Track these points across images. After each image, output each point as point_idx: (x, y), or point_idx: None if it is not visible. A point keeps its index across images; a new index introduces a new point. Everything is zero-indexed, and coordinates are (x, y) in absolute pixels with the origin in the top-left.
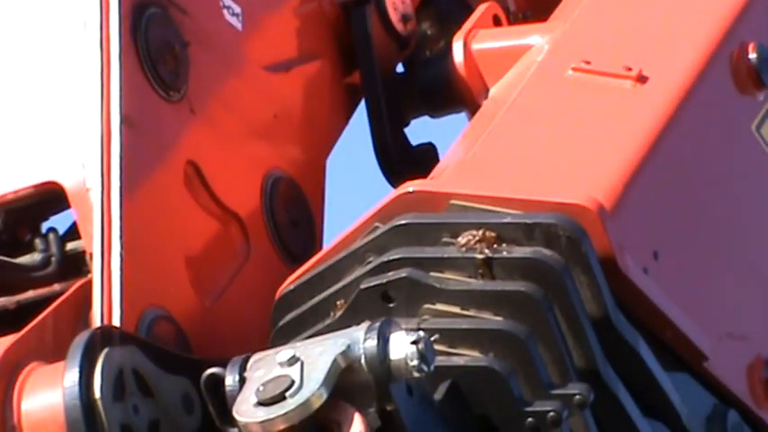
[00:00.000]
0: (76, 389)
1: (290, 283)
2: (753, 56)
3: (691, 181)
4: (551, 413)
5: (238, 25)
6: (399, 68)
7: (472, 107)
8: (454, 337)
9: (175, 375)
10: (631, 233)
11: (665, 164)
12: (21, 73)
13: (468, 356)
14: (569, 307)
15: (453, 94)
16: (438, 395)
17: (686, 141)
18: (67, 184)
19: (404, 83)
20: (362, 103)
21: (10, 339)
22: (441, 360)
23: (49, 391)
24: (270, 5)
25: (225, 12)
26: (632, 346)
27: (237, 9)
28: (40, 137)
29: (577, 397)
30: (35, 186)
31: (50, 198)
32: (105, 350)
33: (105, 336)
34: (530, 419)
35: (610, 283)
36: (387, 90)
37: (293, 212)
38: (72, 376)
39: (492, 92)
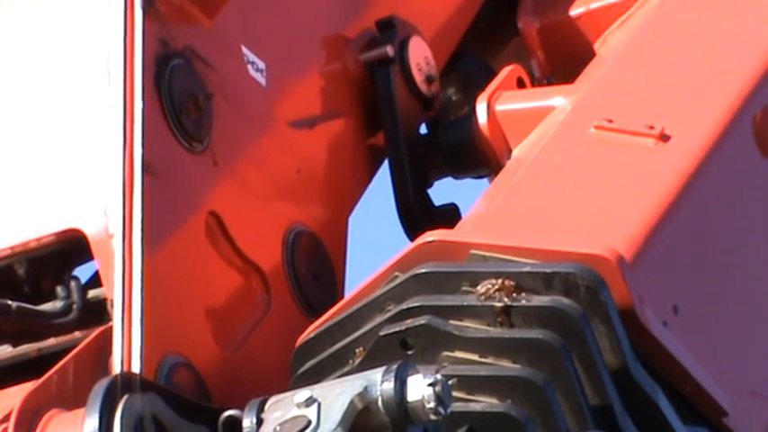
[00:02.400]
0: None
1: (310, 332)
2: None
3: (712, 239)
4: None
5: (263, 81)
6: (423, 129)
7: (496, 168)
8: (472, 384)
9: (195, 424)
10: (651, 286)
11: (685, 220)
12: (44, 120)
13: (485, 403)
14: (588, 356)
15: (477, 155)
16: None
17: (708, 199)
18: (90, 231)
19: (427, 143)
20: (386, 163)
21: (30, 386)
22: (458, 406)
23: None
24: (295, 63)
25: (249, 67)
26: (651, 397)
27: (262, 65)
28: (63, 184)
29: None
30: (57, 234)
31: (73, 245)
32: (125, 397)
33: (125, 382)
34: None
35: (629, 335)
36: (410, 150)
37: (314, 266)
38: (92, 423)
39: (515, 152)
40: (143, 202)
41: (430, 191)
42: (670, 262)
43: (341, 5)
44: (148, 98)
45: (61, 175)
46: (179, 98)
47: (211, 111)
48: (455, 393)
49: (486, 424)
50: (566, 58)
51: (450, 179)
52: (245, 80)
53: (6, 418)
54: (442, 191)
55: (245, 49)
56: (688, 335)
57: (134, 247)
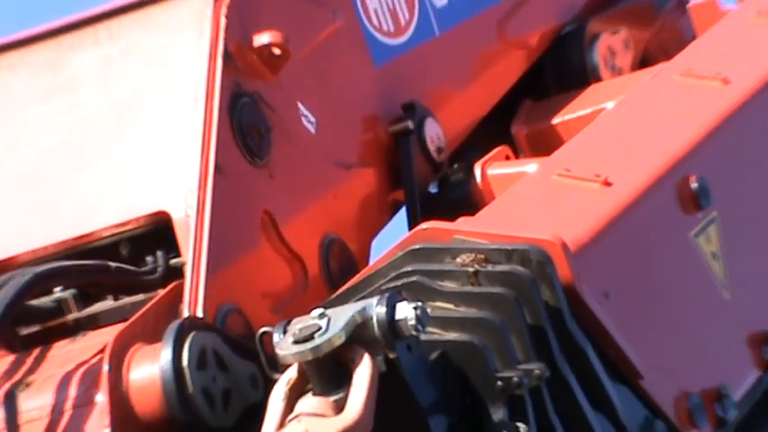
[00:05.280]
0: (170, 362)
1: (334, 295)
2: (694, 185)
3: (640, 253)
4: (515, 379)
5: (312, 130)
6: (433, 189)
7: None
8: (447, 323)
9: (245, 360)
10: (588, 272)
11: (619, 237)
12: (146, 128)
13: (456, 335)
14: (535, 309)
15: (474, 208)
16: (431, 359)
17: (636, 227)
18: (173, 212)
19: (436, 199)
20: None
21: (121, 327)
22: (436, 337)
23: (149, 365)
24: (339, 123)
25: (303, 118)
26: (581, 346)
27: (312, 119)
28: (157, 178)
29: (536, 371)
30: (150, 214)
31: (161, 222)
32: (192, 334)
33: (192, 324)
34: (499, 383)
35: (569, 304)
36: (422, 202)
37: (343, 264)
38: (167, 353)
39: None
40: (213, 192)
41: None
42: (606, 260)
43: (376, 87)
44: (222, 121)
45: (155, 171)
46: (245, 125)
47: (270, 139)
48: (434, 329)
49: (456, 349)
50: (545, 154)
51: None
52: (299, 126)
53: (103, 350)
54: None
55: (300, 105)
56: (615, 318)
57: (204, 225)
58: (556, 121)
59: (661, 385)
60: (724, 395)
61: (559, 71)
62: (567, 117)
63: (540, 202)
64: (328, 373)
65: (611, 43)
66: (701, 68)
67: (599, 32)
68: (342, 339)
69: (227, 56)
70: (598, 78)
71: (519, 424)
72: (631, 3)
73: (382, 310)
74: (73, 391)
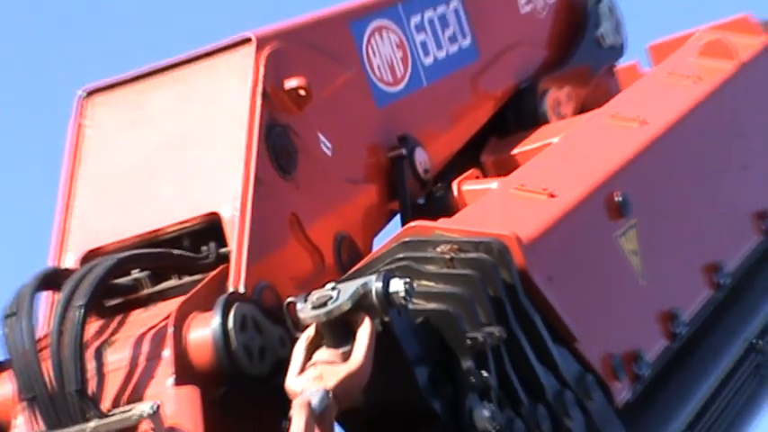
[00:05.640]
0: (219, 326)
1: (342, 278)
2: (619, 198)
3: (576, 248)
4: (480, 339)
5: (329, 153)
6: (421, 201)
7: None
8: (428, 297)
9: (276, 324)
10: (537, 260)
11: (561, 235)
12: (204, 149)
13: (435, 305)
14: (495, 286)
15: (452, 215)
16: (416, 323)
17: (574, 228)
18: (223, 213)
19: (423, 208)
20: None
21: (180, 299)
22: (419, 307)
23: (204, 328)
24: (349, 149)
25: (322, 144)
26: (531, 317)
27: (329, 145)
28: (210, 186)
29: (496, 333)
30: (205, 214)
31: (213, 221)
32: (235, 305)
33: (236, 297)
34: (468, 341)
35: (523, 285)
36: (412, 211)
37: (352, 255)
38: (217, 319)
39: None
40: (253, 198)
41: None
42: (550, 252)
43: (378, 123)
44: (260, 144)
45: (210, 182)
46: (278, 148)
47: (297, 160)
48: (419, 301)
49: (435, 316)
50: (505, 175)
51: None
52: (319, 150)
53: (169, 317)
54: None
55: (319, 134)
56: (557, 296)
57: (246, 223)
58: (514, 152)
59: (592, 347)
60: (640, 357)
61: (518, 116)
62: (523, 149)
63: (500, 208)
64: (338, 331)
65: (557, 96)
66: (625, 113)
67: (548, 88)
68: (348, 306)
69: (264, 95)
70: (547, 121)
71: (482, 372)
72: (573, 67)
73: (379, 284)
74: (146, 348)
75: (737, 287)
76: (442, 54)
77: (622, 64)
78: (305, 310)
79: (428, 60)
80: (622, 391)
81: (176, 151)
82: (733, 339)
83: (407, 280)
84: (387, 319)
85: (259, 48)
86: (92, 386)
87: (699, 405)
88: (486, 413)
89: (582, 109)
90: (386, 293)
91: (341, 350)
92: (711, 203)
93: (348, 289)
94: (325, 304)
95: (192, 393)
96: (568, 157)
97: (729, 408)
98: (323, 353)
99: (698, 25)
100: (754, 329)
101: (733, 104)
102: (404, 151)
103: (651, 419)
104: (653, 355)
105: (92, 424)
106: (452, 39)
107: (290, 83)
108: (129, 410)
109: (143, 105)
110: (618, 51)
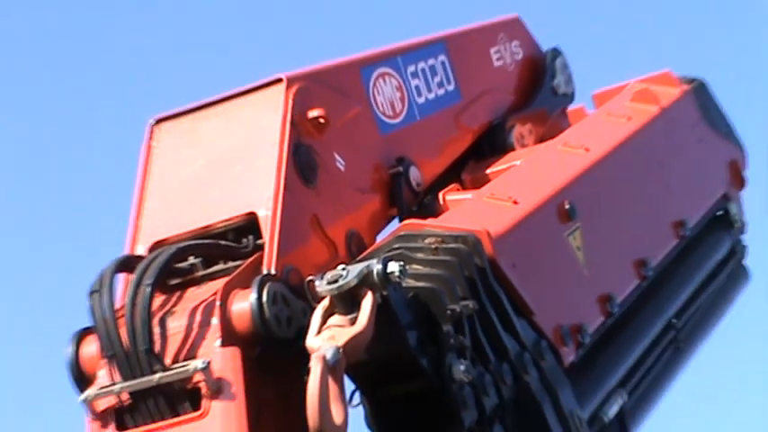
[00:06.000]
0: (256, 300)
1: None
2: (567, 206)
3: (534, 243)
4: (458, 310)
5: (342, 168)
6: (414, 208)
7: None
8: (418, 277)
9: (299, 299)
10: (504, 250)
11: (521, 233)
12: (245, 163)
13: (423, 284)
14: (470, 270)
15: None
16: (408, 297)
17: (532, 228)
18: (259, 212)
19: (416, 214)
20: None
21: (225, 279)
22: (410, 285)
23: (244, 301)
24: (358, 166)
25: (336, 162)
26: (498, 294)
27: (343, 162)
28: (250, 192)
29: (470, 306)
30: (245, 213)
31: (251, 219)
32: (268, 283)
33: (268, 278)
34: (448, 312)
35: (492, 269)
36: (407, 217)
37: (360, 248)
38: (254, 295)
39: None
40: (283, 201)
41: None
42: (514, 244)
43: (381, 147)
44: (289, 160)
45: (249, 188)
46: (303, 163)
47: (317, 173)
48: (411, 280)
49: (423, 292)
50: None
51: None
52: (334, 166)
53: (216, 293)
54: None
55: (335, 153)
56: (519, 278)
57: (277, 221)
58: (488, 171)
59: (545, 319)
60: (583, 329)
61: (491, 144)
62: (494, 169)
63: (475, 211)
64: (347, 302)
65: (521, 131)
66: (573, 142)
67: (514, 125)
68: (355, 282)
69: (292, 123)
70: (513, 149)
71: (459, 336)
72: (534, 109)
73: (380, 266)
74: (198, 317)
75: (659, 278)
76: (431, 95)
77: (572, 107)
78: (321, 286)
79: (421, 100)
80: (569, 355)
81: (223, 165)
82: (655, 318)
83: (402, 263)
84: (385, 293)
85: (288, 86)
86: (157, 346)
87: (628, 367)
88: (462, 368)
89: (540, 141)
90: (384, 273)
91: (349, 317)
92: (640, 212)
93: (355, 269)
94: (336, 281)
95: (234, 353)
96: (529, 175)
97: (652, 370)
98: (335, 318)
99: (631, 78)
100: (672, 311)
101: (656, 137)
102: (401, 169)
103: (591, 378)
104: (593, 328)
105: (157, 376)
106: (440, 84)
107: (313, 113)
108: (186, 365)
109: (198, 130)
110: (569, 98)
